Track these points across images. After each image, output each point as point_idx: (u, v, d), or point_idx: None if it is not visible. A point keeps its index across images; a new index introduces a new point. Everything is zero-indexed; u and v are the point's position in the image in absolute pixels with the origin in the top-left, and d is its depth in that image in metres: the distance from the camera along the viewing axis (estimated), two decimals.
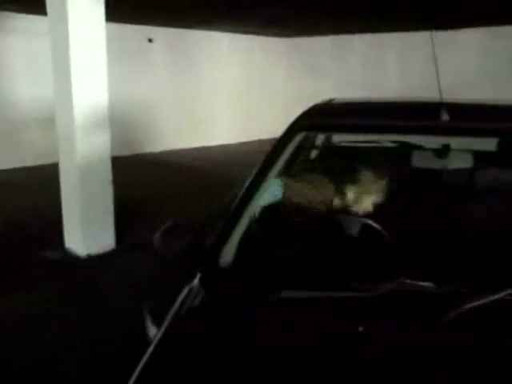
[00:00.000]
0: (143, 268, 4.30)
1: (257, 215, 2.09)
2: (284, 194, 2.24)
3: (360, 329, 1.48)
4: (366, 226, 1.98)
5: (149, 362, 1.47)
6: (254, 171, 2.19)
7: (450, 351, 1.41)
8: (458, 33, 10.44)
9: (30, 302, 4.01)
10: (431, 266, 1.72)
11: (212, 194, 6.68)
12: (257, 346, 1.51)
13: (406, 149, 2.74)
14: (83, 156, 4.76)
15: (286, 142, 2.24)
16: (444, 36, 9.97)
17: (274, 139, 2.38)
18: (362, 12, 8.05)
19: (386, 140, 2.80)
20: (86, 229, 4.90)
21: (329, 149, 3.07)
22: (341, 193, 2.27)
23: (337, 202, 2.28)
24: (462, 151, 2.75)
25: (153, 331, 2.03)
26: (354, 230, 2.02)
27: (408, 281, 1.59)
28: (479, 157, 2.63)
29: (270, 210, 2.17)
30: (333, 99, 2.60)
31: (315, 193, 2.24)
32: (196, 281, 1.76)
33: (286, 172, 2.36)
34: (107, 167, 4.98)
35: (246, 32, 11.69)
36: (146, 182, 7.87)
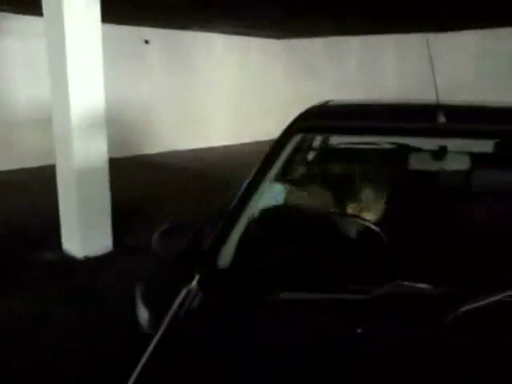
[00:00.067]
0: (141, 269, 4.30)
1: (255, 216, 2.09)
2: (282, 196, 2.25)
3: (358, 330, 1.48)
4: (364, 228, 1.99)
5: (147, 362, 1.47)
6: (252, 173, 2.20)
7: (449, 352, 1.41)
8: (455, 34, 10.48)
9: (29, 302, 4.01)
10: (429, 268, 1.72)
11: (211, 195, 6.70)
12: (255, 346, 1.51)
13: (403, 150, 2.75)
14: (80, 157, 4.75)
15: (283, 144, 2.25)
16: (441, 38, 10.01)
17: (271, 141, 2.39)
18: (359, 14, 8.07)
19: (383, 142, 2.81)
20: (84, 230, 4.89)
21: (326, 150, 3.08)
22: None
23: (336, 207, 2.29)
24: (459, 153, 2.76)
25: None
26: (352, 232, 2.02)
27: (406, 283, 1.60)
28: (476, 158, 2.64)
29: (268, 211, 2.18)
30: (330, 101, 2.60)
31: (313, 196, 2.25)
32: (194, 282, 1.76)
33: (283, 174, 2.37)
34: (104, 169, 4.97)
35: (242, 33, 11.70)
36: (144, 184, 7.86)
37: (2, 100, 8.98)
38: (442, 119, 2.01)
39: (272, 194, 2.25)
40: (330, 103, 2.57)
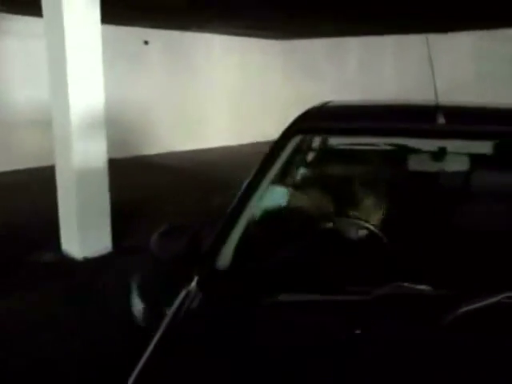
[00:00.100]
0: (140, 270, 4.29)
1: (254, 217, 2.09)
2: (282, 197, 2.25)
3: (357, 331, 1.48)
4: (363, 229, 1.99)
5: (147, 363, 1.47)
6: (251, 174, 2.20)
7: (448, 352, 1.42)
8: (454, 35, 10.48)
9: (29, 302, 4.01)
10: (429, 269, 1.72)
11: (210, 196, 6.69)
12: (254, 347, 1.51)
13: (403, 152, 2.75)
14: (79, 158, 4.75)
15: (282, 145, 2.25)
16: (440, 39, 10.02)
17: (270, 141, 2.38)
18: (358, 15, 8.07)
19: (383, 143, 2.81)
20: (83, 231, 4.89)
21: (326, 152, 3.08)
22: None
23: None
24: (458, 154, 2.76)
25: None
26: (352, 233, 2.02)
27: (405, 284, 1.60)
28: (475, 159, 2.64)
29: (267, 212, 2.18)
30: (329, 102, 2.60)
31: (313, 197, 2.25)
32: (193, 283, 1.76)
33: (283, 175, 2.37)
34: (103, 169, 4.97)
35: (242, 34, 11.70)
36: (143, 184, 7.86)
37: (1, 101, 8.98)
38: (441, 120, 2.01)
39: (271, 195, 2.25)
40: (330, 104, 2.57)
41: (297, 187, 2.54)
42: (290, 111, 3.27)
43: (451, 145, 2.75)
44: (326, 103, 2.57)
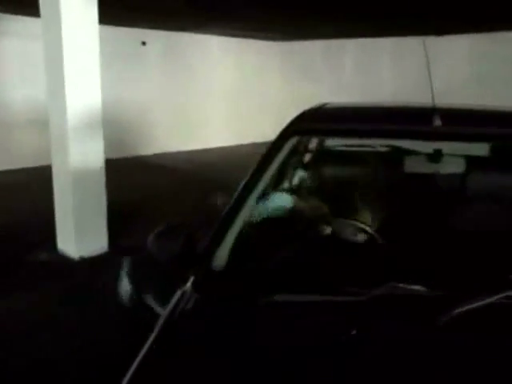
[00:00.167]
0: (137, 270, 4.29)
1: (250, 218, 2.09)
2: (278, 198, 2.25)
3: (353, 332, 1.49)
4: (359, 230, 1.99)
5: (141, 363, 1.47)
6: (248, 175, 2.20)
7: (445, 352, 1.42)
8: (451, 38, 10.51)
9: (29, 302, 4.01)
10: (425, 270, 1.73)
11: (208, 196, 6.68)
12: (250, 347, 1.51)
13: (399, 153, 2.75)
14: (76, 158, 4.75)
15: (279, 146, 2.25)
16: (437, 41, 10.04)
17: (268, 142, 2.39)
18: (356, 17, 8.09)
19: (379, 145, 2.82)
20: (79, 231, 4.88)
21: (322, 153, 3.08)
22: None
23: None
24: (454, 156, 2.77)
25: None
26: (348, 234, 2.03)
27: (401, 285, 1.60)
28: (471, 162, 2.65)
29: (263, 213, 2.18)
30: (326, 104, 2.61)
31: (309, 198, 2.26)
32: (189, 284, 1.76)
33: (279, 176, 2.37)
34: (100, 169, 4.97)
35: (240, 35, 11.71)
36: (140, 185, 7.85)
37: None
38: (437, 122, 2.02)
39: (268, 196, 2.25)
40: (327, 106, 2.57)
41: (293, 188, 2.54)
42: (287, 112, 3.28)
43: (447, 147, 2.76)
44: (323, 105, 2.58)
